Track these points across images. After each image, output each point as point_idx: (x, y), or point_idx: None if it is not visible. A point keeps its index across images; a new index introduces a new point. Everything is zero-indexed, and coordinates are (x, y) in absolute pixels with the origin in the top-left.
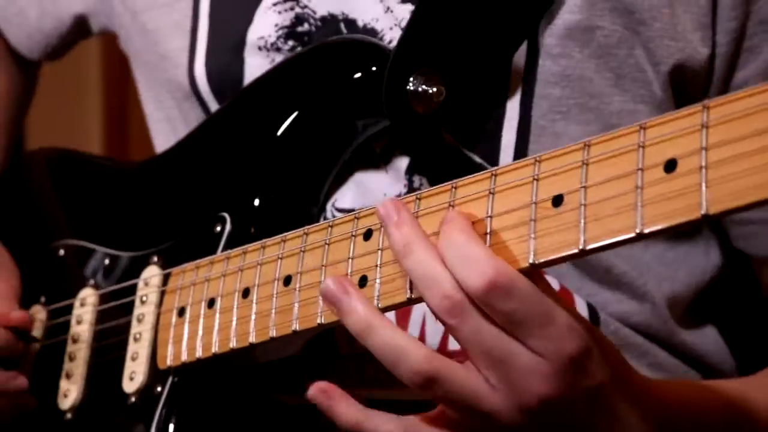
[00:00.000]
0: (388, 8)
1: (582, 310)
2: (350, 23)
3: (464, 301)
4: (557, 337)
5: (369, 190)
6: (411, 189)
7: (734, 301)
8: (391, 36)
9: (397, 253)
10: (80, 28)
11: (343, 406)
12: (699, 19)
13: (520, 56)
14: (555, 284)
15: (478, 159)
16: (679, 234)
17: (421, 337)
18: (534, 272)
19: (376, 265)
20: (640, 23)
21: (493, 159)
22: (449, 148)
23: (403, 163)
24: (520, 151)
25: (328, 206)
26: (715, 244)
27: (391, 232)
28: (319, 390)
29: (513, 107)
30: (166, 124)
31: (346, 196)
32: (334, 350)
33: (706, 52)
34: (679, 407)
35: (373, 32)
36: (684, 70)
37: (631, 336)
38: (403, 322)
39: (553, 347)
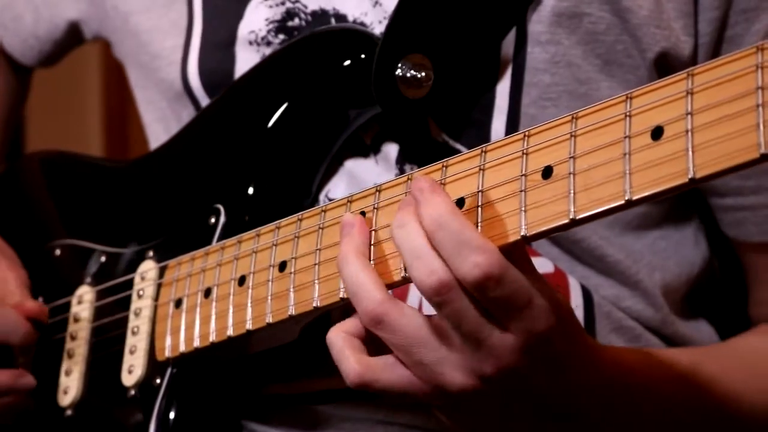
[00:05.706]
0: (377, 2)
1: (576, 291)
2: (341, 18)
3: (451, 281)
4: (530, 317)
5: (361, 180)
6: None
7: (728, 299)
8: (380, 29)
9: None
10: (73, 34)
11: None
12: (681, 8)
13: (508, 44)
14: (549, 266)
15: (464, 150)
16: (670, 223)
17: None
18: (519, 251)
19: (371, 244)
20: (627, 10)
21: None
22: (436, 138)
23: (392, 153)
24: None
25: (321, 197)
26: (703, 237)
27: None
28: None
29: (502, 95)
30: (160, 125)
31: (338, 187)
32: None
33: (689, 41)
34: (630, 373)
35: (362, 26)
36: (669, 58)
37: (624, 319)
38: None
39: (524, 326)
